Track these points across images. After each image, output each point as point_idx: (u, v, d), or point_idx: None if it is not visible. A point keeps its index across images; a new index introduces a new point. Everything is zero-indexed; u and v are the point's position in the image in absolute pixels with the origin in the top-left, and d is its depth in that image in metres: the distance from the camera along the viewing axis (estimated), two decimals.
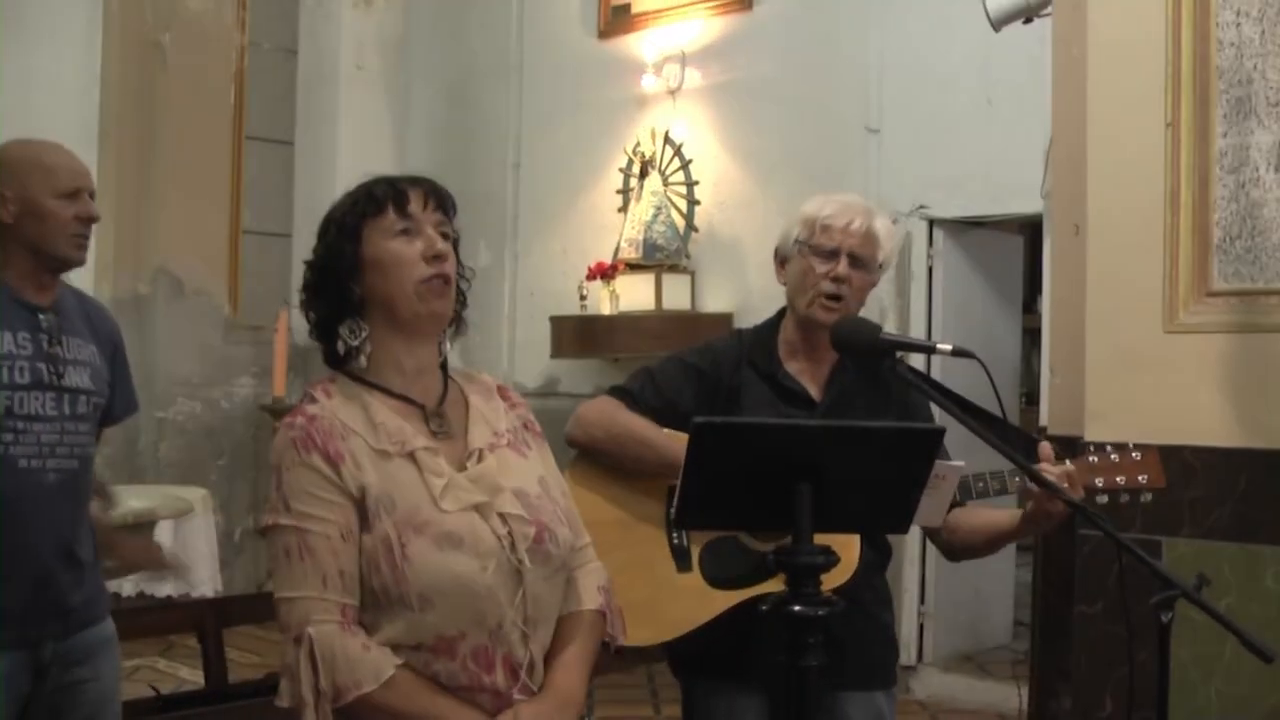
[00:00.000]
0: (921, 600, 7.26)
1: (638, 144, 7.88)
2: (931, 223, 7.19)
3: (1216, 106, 4.03)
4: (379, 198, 2.22)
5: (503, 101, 8.67)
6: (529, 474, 2.30)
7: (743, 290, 7.30)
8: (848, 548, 2.74)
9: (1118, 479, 2.83)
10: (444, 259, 2.21)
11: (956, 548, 2.99)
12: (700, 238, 7.67)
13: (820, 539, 2.28)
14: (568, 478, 2.98)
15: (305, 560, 2.09)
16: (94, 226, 3.09)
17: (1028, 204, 6.21)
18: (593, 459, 2.96)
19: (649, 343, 7.16)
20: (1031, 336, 8.81)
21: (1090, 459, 2.84)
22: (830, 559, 2.27)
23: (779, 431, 2.39)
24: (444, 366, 2.33)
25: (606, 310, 7.64)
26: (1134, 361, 4.04)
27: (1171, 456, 4.00)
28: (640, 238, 7.58)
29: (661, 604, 2.83)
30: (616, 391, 3.01)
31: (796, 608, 2.24)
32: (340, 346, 2.23)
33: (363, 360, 2.23)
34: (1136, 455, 2.85)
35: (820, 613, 2.24)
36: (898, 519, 2.42)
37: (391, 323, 2.22)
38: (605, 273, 7.67)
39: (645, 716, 5.97)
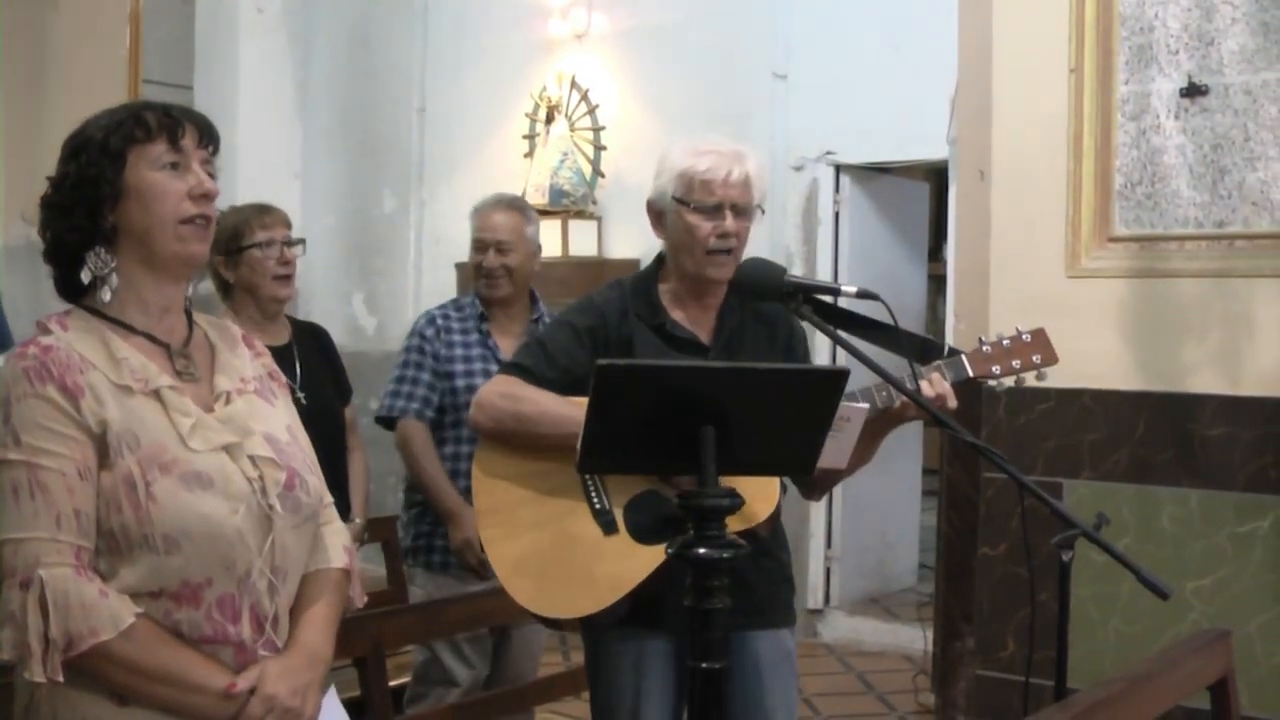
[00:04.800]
0: (828, 544, 7.33)
1: (544, 89, 7.80)
2: (838, 169, 7.20)
3: (1119, 54, 4.07)
4: (150, 125, 2.08)
5: (407, 45, 8.53)
6: (277, 421, 2.21)
7: (649, 236, 7.13)
8: (767, 485, 2.74)
9: (1013, 363, 2.92)
10: (211, 199, 2.11)
11: (816, 479, 2.88)
12: (607, 184, 7.62)
13: (746, 483, 2.28)
14: (475, 467, 2.93)
15: (37, 498, 1.95)
16: None
17: (934, 150, 6.24)
18: (498, 442, 2.91)
19: (555, 289, 7.07)
20: (937, 283, 8.89)
21: (984, 349, 2.91)
22: (735, 501, 2.26)
23: (682, 373, 2.38)
24: (188, 310, 2.21)
25: None
26: (1037, 306, 4.08)
27: (1072, 400, 4.07)
28: (546, 184, 7.52)
29: (595, 570, 2.79)
30: (512, 369, 2.95)
31: (701, 550, 2.24)
32: (85, 275, 2.09)
33: (107, 294, 2.09)
34: (1026, 337, 2.93)
35: (726, 555, 2.24)
36: (802, 461, 2.42)
37: (143, 258, 2.09)
38: None
39: (554, 663, 5.98)
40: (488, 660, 4.09)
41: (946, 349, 2.89)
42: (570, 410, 2.79)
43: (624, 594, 2.78)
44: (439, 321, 4.17)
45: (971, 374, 2.88)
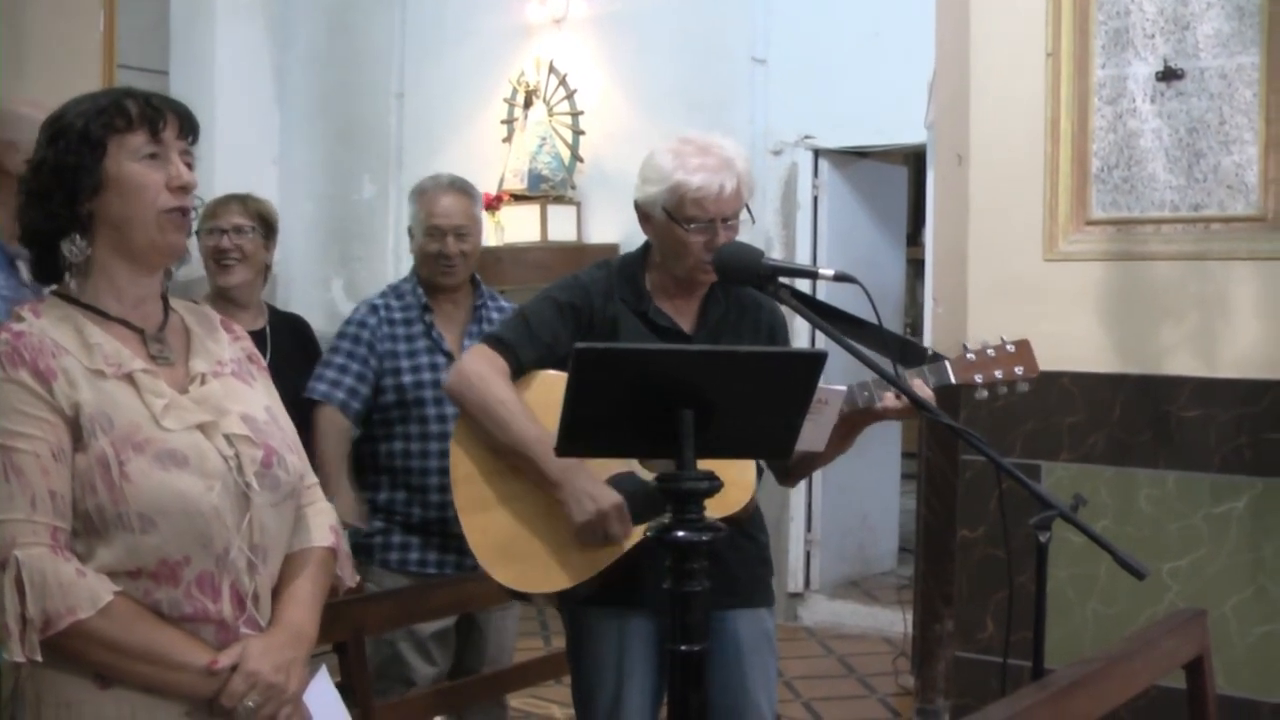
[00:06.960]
0: (808, 528, 7.35)
1: (522, 74, 7.79)
2: (817, 153, 7.21)
3: (1095, 37, 4.07)
4: (131, 114, 2.08)
5: (385, 30, 8.50)
6: (255, 401, 2.20)
7: (629, 221, 7.13)
8: (744, 473, 2.75)
9: (995, 373, 2.93)
10: (189, 190, 2.10)
11: (793, 465, 2.96)
12: (586, 168, 7.61)
13: (723, 471, 2.29)
14: (454, 434, 2.94)
15: (12, 481, 1.95)
16: None
17: (912, 135, 6.25)
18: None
19: (534, 274, 7.10)
20: (915, 267, 8.91)
21: (967, 357, 2.91)
22: (714, 484, 2.26)
23: (661, 357, 2.38)
24: (165, 296, 2.21)
25: (491, 242, 7.54)
26: (1015, 290, 4.10)
27: (1050, 382, 4.08)
28: (525, 168, 7.51)
29: (570, 547, 2.80)
30: (493, 341, 2.95)
31: (680, 534, 2.24)
32: (61, 262, 2.08)
33: (80, 281, 2.10)
34: (1010, 348, 2.95)
35: (705, 538, 2.25)
36: (781, 444, 2.42)
37: (119, 247, 2.08)
38: (490, 204, 7.57)
39: (534, 648, 5.99)
40: (451, 656, 3.96)
41: (930, 353, 2.89)
42: (518, 424, 2.81)
43: (598, 571, 2.80)
44: (381, 312, 3.99)
45: (954, 380, 2.90)
